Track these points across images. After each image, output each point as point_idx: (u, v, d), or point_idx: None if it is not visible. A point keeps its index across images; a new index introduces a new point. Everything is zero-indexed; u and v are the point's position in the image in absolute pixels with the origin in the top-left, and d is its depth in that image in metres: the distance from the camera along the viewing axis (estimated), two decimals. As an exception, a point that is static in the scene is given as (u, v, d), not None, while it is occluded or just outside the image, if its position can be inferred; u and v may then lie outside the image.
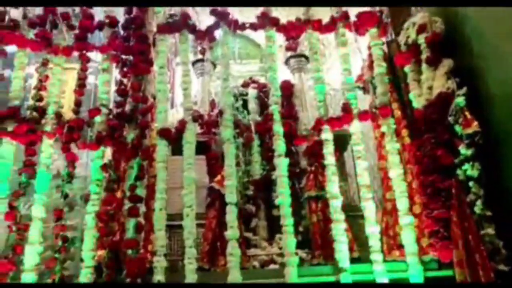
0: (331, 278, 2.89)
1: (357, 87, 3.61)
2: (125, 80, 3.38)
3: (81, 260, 2.79)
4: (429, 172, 2.96)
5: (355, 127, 3.28)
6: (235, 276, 2.75)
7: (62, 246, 2.81)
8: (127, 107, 3.29)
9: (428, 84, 3.19)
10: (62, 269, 2.75)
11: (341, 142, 3.50)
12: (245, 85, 4.17)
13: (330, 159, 3.17)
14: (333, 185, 3.08)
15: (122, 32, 3.46)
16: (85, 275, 2.72)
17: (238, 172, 3.34)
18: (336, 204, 3.03)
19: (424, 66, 3.24)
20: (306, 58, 4.32)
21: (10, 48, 3.40)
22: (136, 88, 3.29)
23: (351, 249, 2.99)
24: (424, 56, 3.25)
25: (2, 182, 2.96)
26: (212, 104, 3.98)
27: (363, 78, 3.74)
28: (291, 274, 2.77)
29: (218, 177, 3.24)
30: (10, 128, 3.04)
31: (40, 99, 3.20)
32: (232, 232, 2.88)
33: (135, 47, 3.38)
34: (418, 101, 3.20)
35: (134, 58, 3.37)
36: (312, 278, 2.89)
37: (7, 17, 3.32)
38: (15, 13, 3.39)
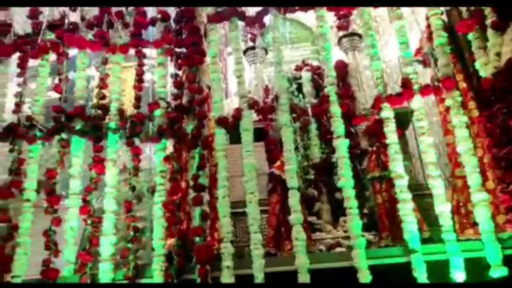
0: (401, 260, 2.80)
1: (416, 61, 3.45)
2: (180, 73, 3.44)
3: (153, 249, 2.90)
4: (502, 144, 2.77)
5: (417, 103, 3.14)
6: (302, 260, 2.75)
7: (134, 236, 2.92)
8: (184, 99, 3.35)
9: (496, 50, 2.97)
10: (136, 258, 2.86)
11: (403, 120, 3.36)
12: (299, 68, 4.11)
13: (392, 137, 3.06)
14: (397, 164, 2.98)
15: (174, 25, 3.52)
16: (157, 263, 2.81)
17: (297, 157, 3.31)
18: (401, 183, 2.93)
19: (490, 32, 3.03)
20: (359, 36, 4.19)
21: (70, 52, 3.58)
22: (191, 80, 3.34)
23: (420, 229, 2.88)
24: (489, 21, 3.04)
25: (75, 178, 3.14)
26: (266, 90, 3.96)
27: (421, 51, 3.57)
28: (360, 257, 2.72)
29: (278, 163, 3.23)
30: (78, 127, 3.20)
31: (103, 97, 3.33)
32: (296, 216, 2.88)
33: (187, 39, 3.43)
34: (485, 70, 3.00)
35: (187, 50, 3.43)
36: (381, 260, 2.82)
37: (66, 21, 3.48)
38: (73, 16, 3.55)
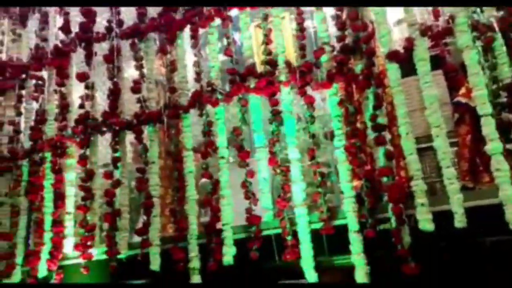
0: None
1: None
2: (340, 13, 3.33)
3: (341, 192, 2.99)
4: None
5: None
6: (507, 191, 2.52)
7: (321, 181, 3.04)
8: (348, 39, 3.26)
9: None
10: (326, 202, 2.99)
11: None
12: (471, -21, 3.59)
13: None
14: None
15: (326, -36, 3.38)
16: (349, 205, 2.90)
17: (484, 80, 2.96)
18: None
19: None
20: None
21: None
22: (353, 18, 3.21)
23: None
24: None
25: (259, 132, 3.37)
26: (435, 12, 3.57)
27: None
28: None
29: (463, 90, 2.96)
30: (252, 85, 3.39)
31: (269, 53, 3.43)
32: (494, 145, 2.63)
33: (343, -25, 3.27)
34: None
35: (344, -13, 3.28)
36: None
37: (224, -15, 3.63)
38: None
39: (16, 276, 3.82)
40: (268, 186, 3.26)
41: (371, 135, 3.00)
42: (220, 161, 3.36)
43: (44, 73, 4.36)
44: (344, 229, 2.88)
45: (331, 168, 3.46)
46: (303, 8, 3.52)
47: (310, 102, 3.21)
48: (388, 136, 2.97)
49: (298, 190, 3.06)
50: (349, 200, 2.91)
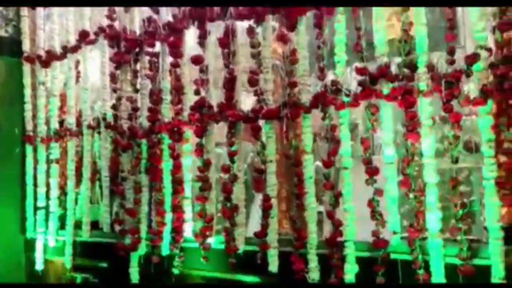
0: None
1: None
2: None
3: (485, 228, 2.68)
4: None
5: None
6: None
7: (462, 214, 2.72)
8: (512, 42, 2.68)
9: None
10: (466, 237, 2.72)
11: None
12: None
13: None
14: None
15: None
16: (495, 247, 2.60)
17: None
18: None
19: None
20: None
21: None
22: (523, 18, 2.61)
23: None
24: None
25: (389, 146, 3.05)
26: None
27: None
28: None
29: None
30: (385, 91, 3.01)
31: (409, 52, 2.96)
32: None
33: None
34: None
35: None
36: None
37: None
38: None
39: (141, 250, 4.15)
40: (396, 207, 3.03)
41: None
42: (344, 172, 3.16)
43: (158, 49, 4.27)
44: (488, 270, 2.62)
45: (472, 196, 3.11)
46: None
47: (456, 120, 2.78)
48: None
49: (434, 219, 2.80)
50: (494, 241, 2.61)
